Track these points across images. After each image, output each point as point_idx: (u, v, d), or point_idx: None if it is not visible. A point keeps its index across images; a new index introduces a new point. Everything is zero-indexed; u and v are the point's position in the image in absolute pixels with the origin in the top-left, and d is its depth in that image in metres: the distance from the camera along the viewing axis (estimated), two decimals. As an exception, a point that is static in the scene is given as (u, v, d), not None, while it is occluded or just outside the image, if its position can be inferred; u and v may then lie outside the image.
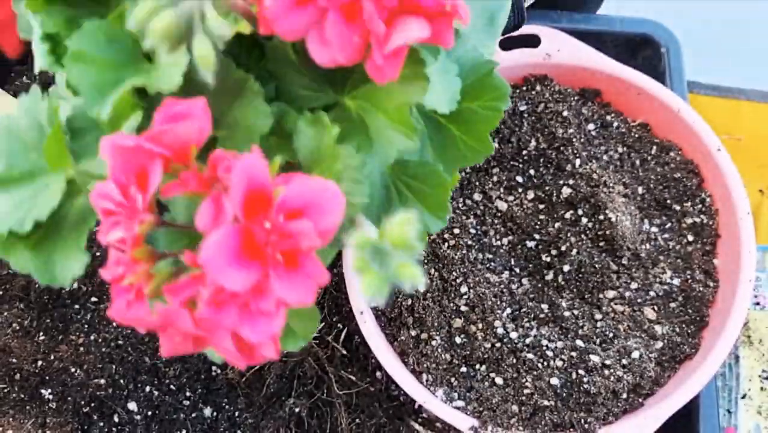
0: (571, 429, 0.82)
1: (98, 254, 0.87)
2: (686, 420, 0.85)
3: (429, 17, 0.43)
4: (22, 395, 0.86)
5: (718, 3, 1.03)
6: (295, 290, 0.41)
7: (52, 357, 0.88)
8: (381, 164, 0.53)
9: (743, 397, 0.95)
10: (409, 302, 0.86)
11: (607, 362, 0.86)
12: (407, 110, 0.47)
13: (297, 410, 0.87)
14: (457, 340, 0.86)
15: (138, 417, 0.87)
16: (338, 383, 0.89)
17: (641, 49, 1.06)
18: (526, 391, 0.83)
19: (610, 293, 0.89)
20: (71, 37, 0.48)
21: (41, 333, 0.89)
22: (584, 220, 0.91)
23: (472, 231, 0.91)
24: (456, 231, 0.90)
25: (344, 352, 0.90)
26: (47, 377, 0.87)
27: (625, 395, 0.84)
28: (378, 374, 0.89)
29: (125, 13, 0.47)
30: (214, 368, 0.89)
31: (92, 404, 0.87)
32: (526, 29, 0.98)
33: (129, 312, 0.43)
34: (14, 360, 0.88)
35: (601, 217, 0.90)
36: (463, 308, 0.87)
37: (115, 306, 0.42)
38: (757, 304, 0.99)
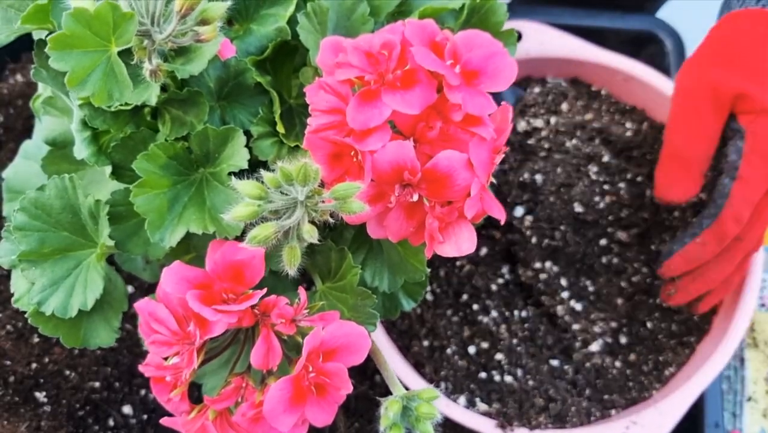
0: (593, 418, 0.81)
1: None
2: (691, 423, 0.84)
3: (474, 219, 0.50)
4: (17, 398, 0.85)
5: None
6: (321, 414, 0.50)
7: (47, 360, 0.87)
8: (390, 288, 0.61)
9: (749, 399, 0.94)
10: (419, 311, 0.85)
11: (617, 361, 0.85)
12: (424, 250, 0.52)
13: (295, 413, 0.86)
14: (472, 345, 0.85)
15: (133, 421, 0.85)
16: (337, 386, 0.87)
17: (645, 47, 1.05)
18: (548, 387, 0.82)
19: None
20: (137, 161, 0.54)
21: (35, 335, 0.88)
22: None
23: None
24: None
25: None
26: (41, 380, 0.86)
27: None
28: (377, 377, 0.88)
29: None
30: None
31: (87, 408, 0.85)
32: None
33: (169, 405, 0.52)
34: (8, 362, 0.87)
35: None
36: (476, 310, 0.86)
37: (157, 391, 0.53)
38: (762, 306, 0.98)
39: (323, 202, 0.47)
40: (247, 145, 0.56)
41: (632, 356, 0.85)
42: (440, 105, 0.48)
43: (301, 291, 0.52)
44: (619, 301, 0.87)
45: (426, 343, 0.84)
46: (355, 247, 0.61)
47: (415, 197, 0.48)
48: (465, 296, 0.87)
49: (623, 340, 0.86)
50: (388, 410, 0.51)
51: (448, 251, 0.50)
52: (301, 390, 0.49)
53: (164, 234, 0.54)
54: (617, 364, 0.85)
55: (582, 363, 0.85)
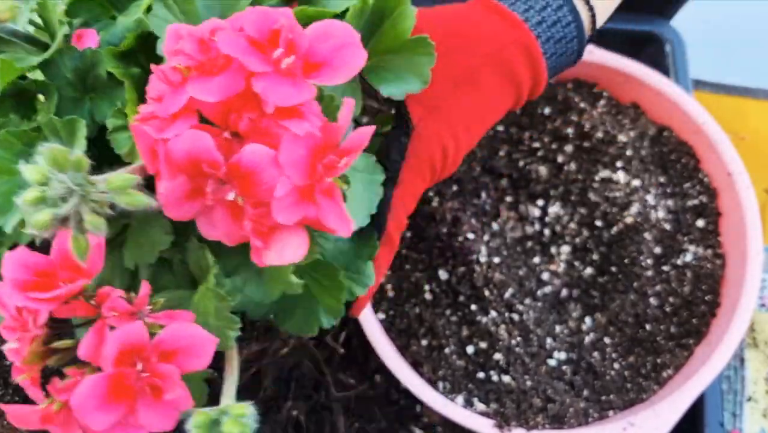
0: (591, 419, 0.81)
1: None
2: (691, 423, 0.84)
3: (311, 224, 0.45)
4: (17, 398, 0.85)
5: (723, 1, 1.02)
6: (158, 419, 0.46)
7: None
8: (263, 298, 0.56)
9: (749, 399, 0.94)
10: (417, 310, 0.85)
11: (615, 359, 0.85)
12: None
13: (295, 413, 0.86)
14: (471, 345, 0.85)
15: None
16: (336, 385, 0.87)
17: (645, 47, 1.05)
18: (546, 388, 0.83)
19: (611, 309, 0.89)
20: None
21: (36, 335, 0.88)
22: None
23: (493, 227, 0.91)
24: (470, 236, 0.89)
25: (342, 351, 0.89)
26: (43, 381, 0.86)
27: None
28: (377, 377, 0.88)
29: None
30: (210, 370, 0.87)
31: (87, 408, 0.86)
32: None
33: (29, 391, 0.50)
34: (8, 363, 0.87)
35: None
36: (476, 310, 0.86)
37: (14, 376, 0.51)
38: (763, 306, 0.98)
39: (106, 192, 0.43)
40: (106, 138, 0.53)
41: (631, 358, 0.85)
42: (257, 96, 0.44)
43: (144, 284, 0.48)
44: (618, 302, 0.87)
45: (424, 342, 0.84)
46: (228, 249, 0.54)
47: (231, 196, 0.44)
48: (462, 297, 0.87)
49: (622, 342, 0.86)
50: (194, 421, 0.47)
51: (272, 258, 0.45)
52: (122, 388, 0.45)
53: (8, 219, 0.53)
54: (615, 366, 0.85)
55: (581, 364, 0.85)
